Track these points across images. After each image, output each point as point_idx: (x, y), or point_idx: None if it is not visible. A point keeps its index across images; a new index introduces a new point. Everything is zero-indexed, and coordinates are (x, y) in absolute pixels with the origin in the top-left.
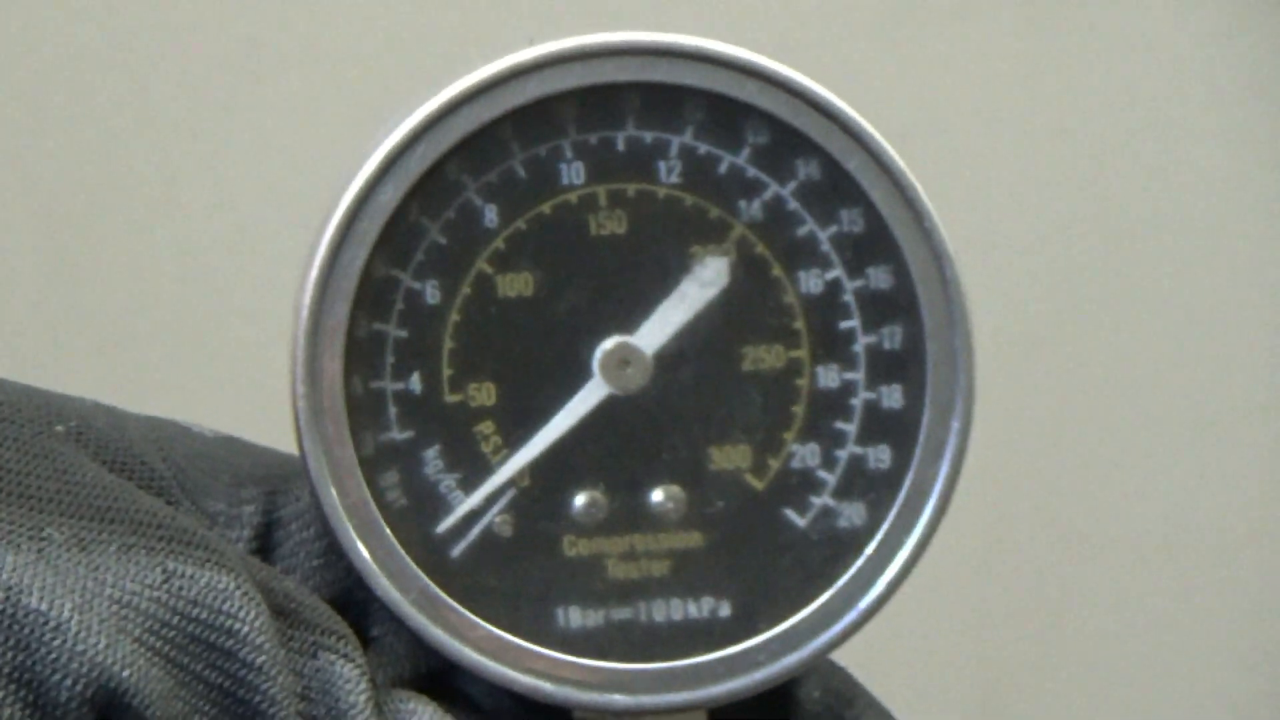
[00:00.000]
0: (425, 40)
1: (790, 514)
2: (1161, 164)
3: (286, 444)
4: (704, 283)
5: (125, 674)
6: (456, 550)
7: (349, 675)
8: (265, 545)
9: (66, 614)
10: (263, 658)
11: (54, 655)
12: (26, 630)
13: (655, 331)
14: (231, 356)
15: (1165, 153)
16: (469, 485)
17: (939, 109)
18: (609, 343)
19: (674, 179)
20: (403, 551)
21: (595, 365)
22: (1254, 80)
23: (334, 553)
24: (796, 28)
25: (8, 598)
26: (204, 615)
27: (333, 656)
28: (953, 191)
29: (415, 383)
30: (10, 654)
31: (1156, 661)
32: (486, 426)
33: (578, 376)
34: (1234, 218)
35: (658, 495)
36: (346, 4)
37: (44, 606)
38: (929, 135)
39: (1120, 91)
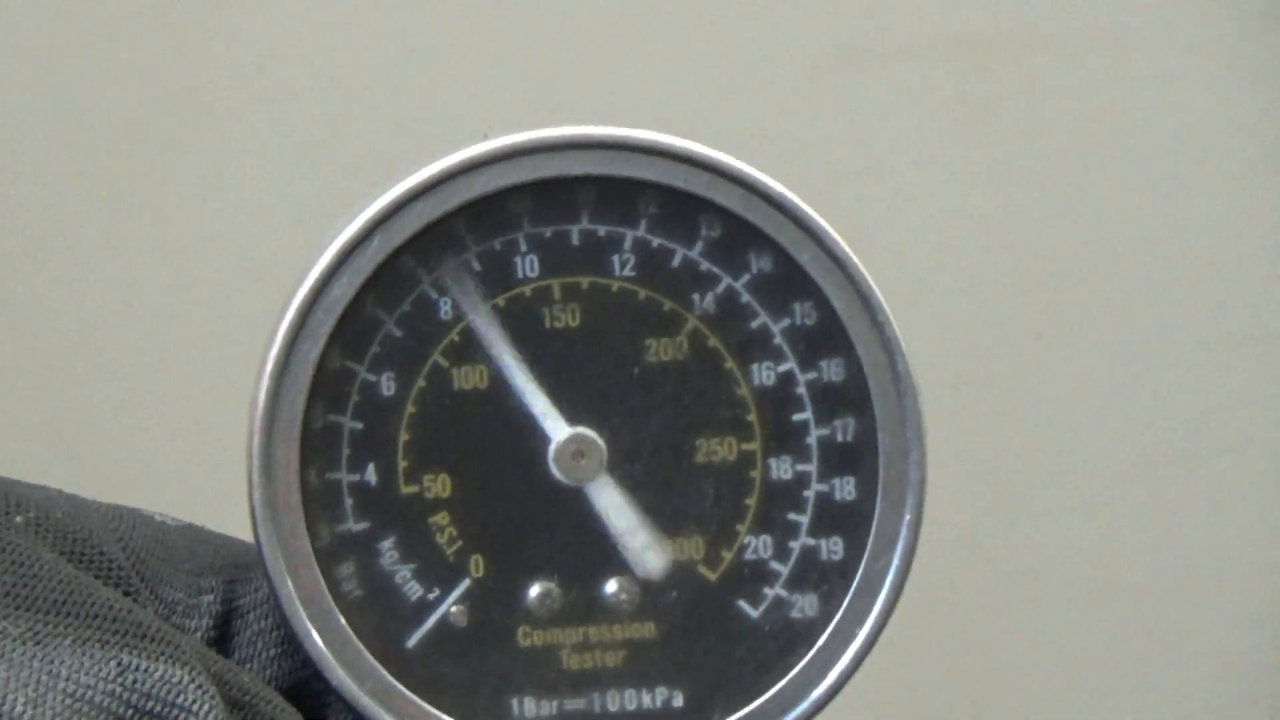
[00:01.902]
0: (370, 84)
1: (743, 605)
2: (1100, 204)
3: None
4: (644, 568)
5: None
6: (412, 640)
7: None
8: (224, 634)
9: (20, 708)
10: None
11: None
12: None
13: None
14: (172, 397)
15: (1103, 193)
16: (424, 576)
17: (878, 154)
18: (563, 435)
19: (628, 272)
20: (358, 642)
21: (550, 460)
22: (1197, 122)
23: (292, 642)
24: (738, 75)
25: None
26: (158, 709)
27: None
28: (894, 236)
29: (371, 474)
30: None
31: (1094, 699)
32: (442, 518)
33: (532, 468)
34: (1174, 255)
35: (611, 586)
36: (292, 49)
37: None
38: (865, 180)
39: (1061, 136)
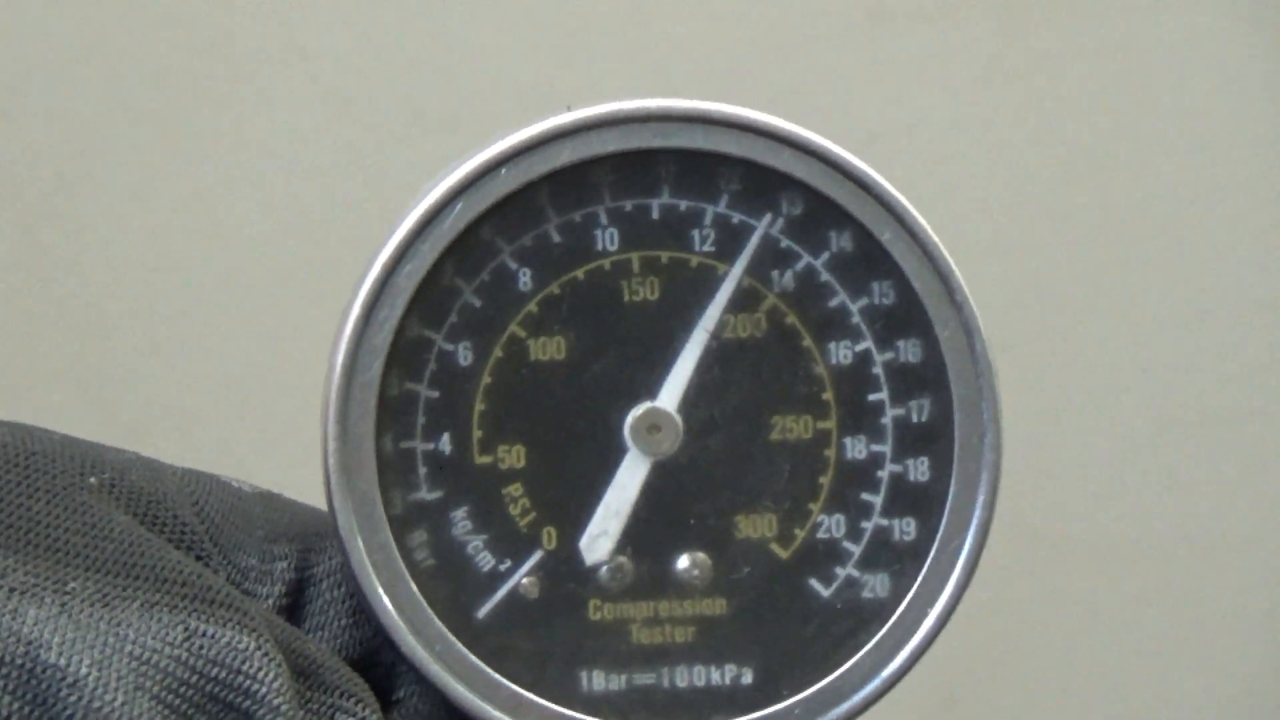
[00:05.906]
0: (404, 37)
1: (814, 583)
2: (1134, 165)
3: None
4: (586, 545)
5: None
6: (483, 610)
7: None
8: (297, 602)
9: (84, 670)
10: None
11: (70, 712)
12: (44, 685)
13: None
14: (203, 351)
15: (1136, 155)
16: (496, 547)
17: (910, 114)
18: (639, 408)
19: (707, 247)
20: (429, 610)
21: (626, 430)
22: (1233, 82)
23: (364, 612)
24: (770, 35)
25: (27, 652)
26: (223, 675)
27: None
28: (924, 198)
29: (445, 443)
30: (27, 709)
31: (1118, 662)
32: (515, 489)
33: (608, 441)
34: (1206, 218)
35: (683, 562)
36: (331, 3)
37: (62, 662)
38: (896, 141)
39: (1094, 96)
